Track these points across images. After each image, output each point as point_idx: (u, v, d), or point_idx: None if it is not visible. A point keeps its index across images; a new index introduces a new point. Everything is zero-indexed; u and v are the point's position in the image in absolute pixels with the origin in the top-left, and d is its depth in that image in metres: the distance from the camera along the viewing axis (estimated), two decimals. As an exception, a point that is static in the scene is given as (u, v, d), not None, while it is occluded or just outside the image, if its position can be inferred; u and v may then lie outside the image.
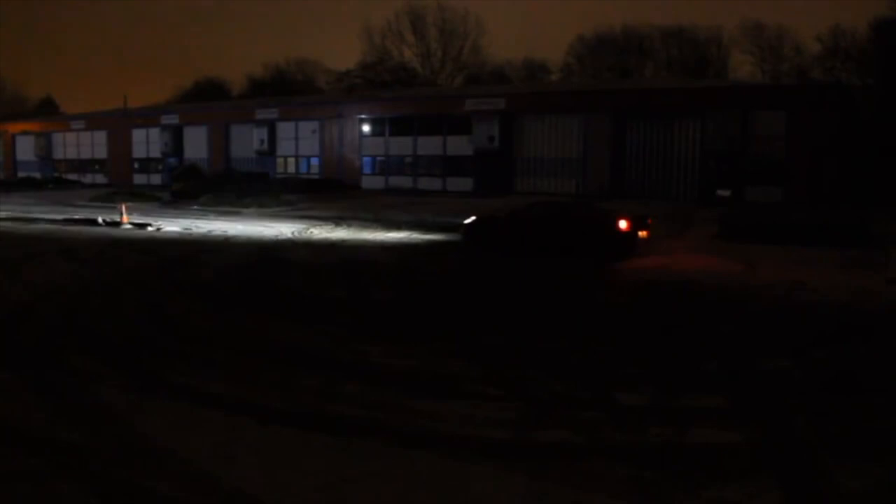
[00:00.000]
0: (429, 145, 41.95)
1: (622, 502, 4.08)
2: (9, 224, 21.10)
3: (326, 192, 36.74)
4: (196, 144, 50.85)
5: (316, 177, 44.72)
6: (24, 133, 61.19)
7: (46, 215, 23.80)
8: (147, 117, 54.03)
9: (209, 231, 19.49)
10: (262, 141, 47.34)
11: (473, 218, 16.63)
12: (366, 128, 44.33)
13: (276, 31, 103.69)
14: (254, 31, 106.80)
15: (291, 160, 47.51)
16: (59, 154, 59.27)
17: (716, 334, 8.18)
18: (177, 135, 51.61)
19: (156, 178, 51.26)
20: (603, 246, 14.40)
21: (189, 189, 32.63)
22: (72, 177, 53.84)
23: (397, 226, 21.22)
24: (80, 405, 5.64)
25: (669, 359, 7.09)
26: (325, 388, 6.08)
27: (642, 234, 15.14)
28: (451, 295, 10.95)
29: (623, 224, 14.69)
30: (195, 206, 28.64)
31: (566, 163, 37.51)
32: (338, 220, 22.76)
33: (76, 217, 23.06)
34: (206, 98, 67.26)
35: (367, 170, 44.32)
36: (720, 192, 32.81)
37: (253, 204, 28.33)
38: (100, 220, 22.08)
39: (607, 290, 11.30)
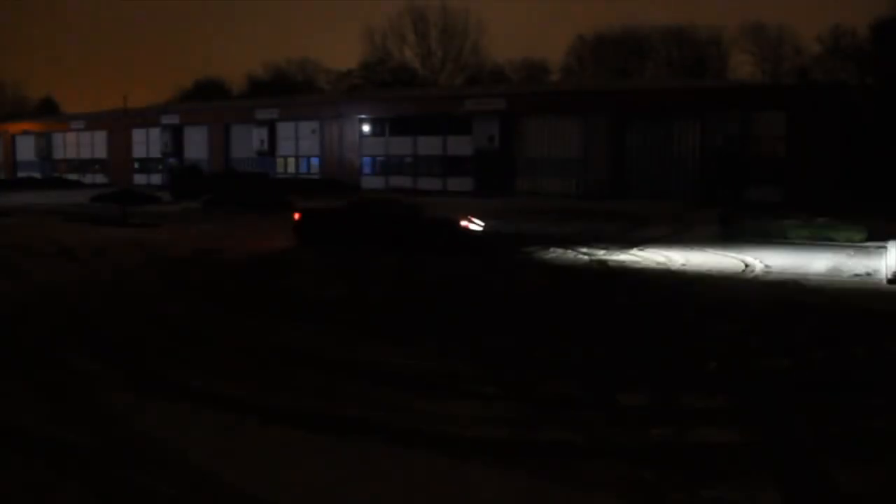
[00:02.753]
0: (429, 145, 41.96)
1: (622, 502, 4.08)
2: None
3: (327, 192, 36.75)
4: (196, 144, 50.87)
5: (316, 177, 44.73)
6: (24, 133, 61.22)
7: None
8: (147, 117, 54.05)
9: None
10: (262, 141, 47.35)
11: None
12: (366, 128, 44.34)
13: (276, 31, 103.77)
14: (254, 31, 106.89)
15: (291, 160, 47.52)
16: (59, 154, 59.31)
17: (715, 333, 8.18)
18: (177, 135, 51.63)
19: (156, 178, 51.28)
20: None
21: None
22: (72, 177, 53.82)
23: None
24: (80, 405, 5.65)
25: (669, 356, 7.09)
26: (326, 387, 6.09)
27: None
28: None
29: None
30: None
31: (566, 163, 37.51)
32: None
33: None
34: (206, 98, 67.29)
35: (367, 170, 44.34)
36: (720, 192, 32.82)
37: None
38: None
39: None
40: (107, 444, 4.86)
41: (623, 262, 14.12)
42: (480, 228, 16.01)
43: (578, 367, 6.80)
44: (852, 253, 15.10)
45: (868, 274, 12.52)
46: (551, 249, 15.75)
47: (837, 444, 4.87)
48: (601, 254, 14.98)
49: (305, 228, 16.42)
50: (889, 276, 11.72)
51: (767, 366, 6.76)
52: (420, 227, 15.58)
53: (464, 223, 15.69)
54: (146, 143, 53.44)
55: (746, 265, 13.59)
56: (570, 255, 15.04)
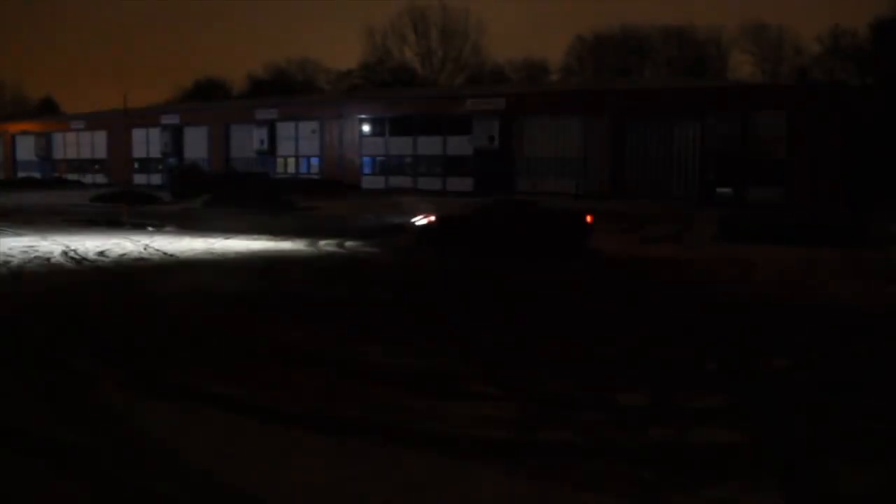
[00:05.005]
0: (429, 145, 41.96)
1: (622, 502, 4.08)
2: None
3: (327, 192, 36.76)
4: (196, 144, 50.87)
5: (316, 177, 44.71)
6: (24, 133, 61.21)
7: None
8: (147, 117, 54.04)
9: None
10: (262, 141, 47.35)
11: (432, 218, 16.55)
12: (366, 128, 44.34)
13: (277, 31, 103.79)
14: (254, 31, 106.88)
15: (291, 160, 47.53)
16: (59, 154, 59.31)
17: (715, 333, 8.17)
18: (177, 135, 51.63)
19: (156, 178, 51.28)
20: (577, 240, 15.24)
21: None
22: (72, 177, 53.81)
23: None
24: (80, 405, 5.64)
25: (669, 358, 7.09)
26: (325, 387, 6.08)
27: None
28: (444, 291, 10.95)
29: (589, 219, 15.75)
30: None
31: (566, 163, 37.53)
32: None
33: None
34: (206, 98, 67.27)
35: (367, 170, 44.34)
36: (720, 192, 32.82)
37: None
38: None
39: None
40: (106, 443, 4.86)
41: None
42: None
43: (578, 367, 6.80)
44: None
45: None
46: None
47: (837, 444, 4.87)
48: None
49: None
50: None
51: (768, 366, 6.76)
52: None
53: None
54: (146, 143, 53.45)
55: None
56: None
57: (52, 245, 15.84)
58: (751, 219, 19.13)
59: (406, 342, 7.66)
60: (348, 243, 17.01)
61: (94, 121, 57.29)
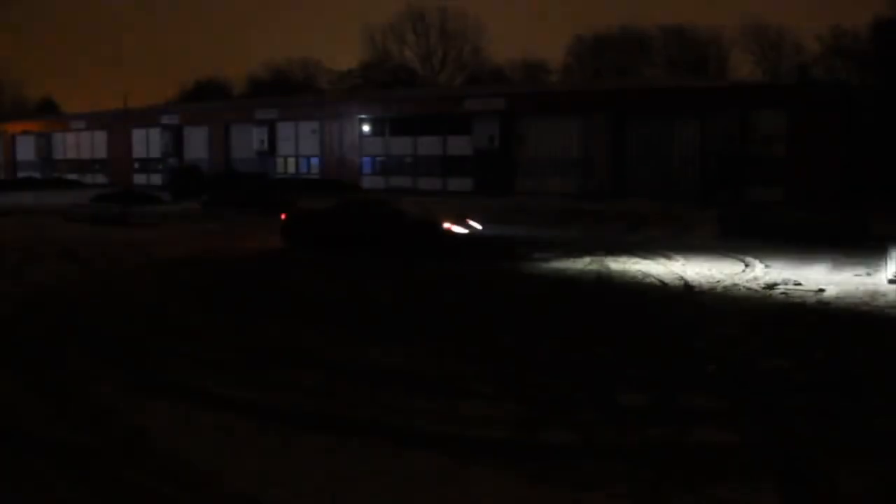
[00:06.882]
0: (429, 145, 41.95)
1: (622, 502, 4.08)
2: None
3: (327, 192, 36.74)
4: (196, 144, 50.86)
5: (316, 177, 44.71)
6: (24, 133, 61.22)
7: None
8: (147, 117, 54.04)
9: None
10: (262, 141, 47.34)
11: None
12: (366, 128, 44.34)
13: (277, 31, 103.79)
14: (254, 31, 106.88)
15: (291, 160, 47.52)
16: (59, 154, 59.29)
17: (715, 334, 8.17)
18: (177, 135, 51.62)
19: (156, 178, 51.30)
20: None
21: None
22: (72, 177, 53.79)
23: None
24: (80, 404, 5.65)
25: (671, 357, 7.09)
26: (325, 387, 6.09)
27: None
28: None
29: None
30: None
31: (566, 163, 37.50)
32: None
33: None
34: (206, 98, 67.28)
35: (366, 170, 44.33)
36: (720, 192, 32.81)
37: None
38: None
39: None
40: (106, 443, 4.87)
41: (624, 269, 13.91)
42: (466, 231, 16.14)
43: (578, 368, 6.80)
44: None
45: (868, 274, 12.52)
46: (541, 255, 15.21)
47: (837, 443, 4.87)
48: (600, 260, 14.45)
49: (292, 229, 16.35)
50: (890, 277, 11.72)
51: (767, 366, 6.76)
52: (402, 229, 15.47)
53: (447, 225, 15.59)
54: (146, 143, 53.44)
55: (746, 265, 13.60)
56: (568, 262, 14.58)
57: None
58: (751, 218, 19.12)
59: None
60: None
61: (94, 121, 57.21)
